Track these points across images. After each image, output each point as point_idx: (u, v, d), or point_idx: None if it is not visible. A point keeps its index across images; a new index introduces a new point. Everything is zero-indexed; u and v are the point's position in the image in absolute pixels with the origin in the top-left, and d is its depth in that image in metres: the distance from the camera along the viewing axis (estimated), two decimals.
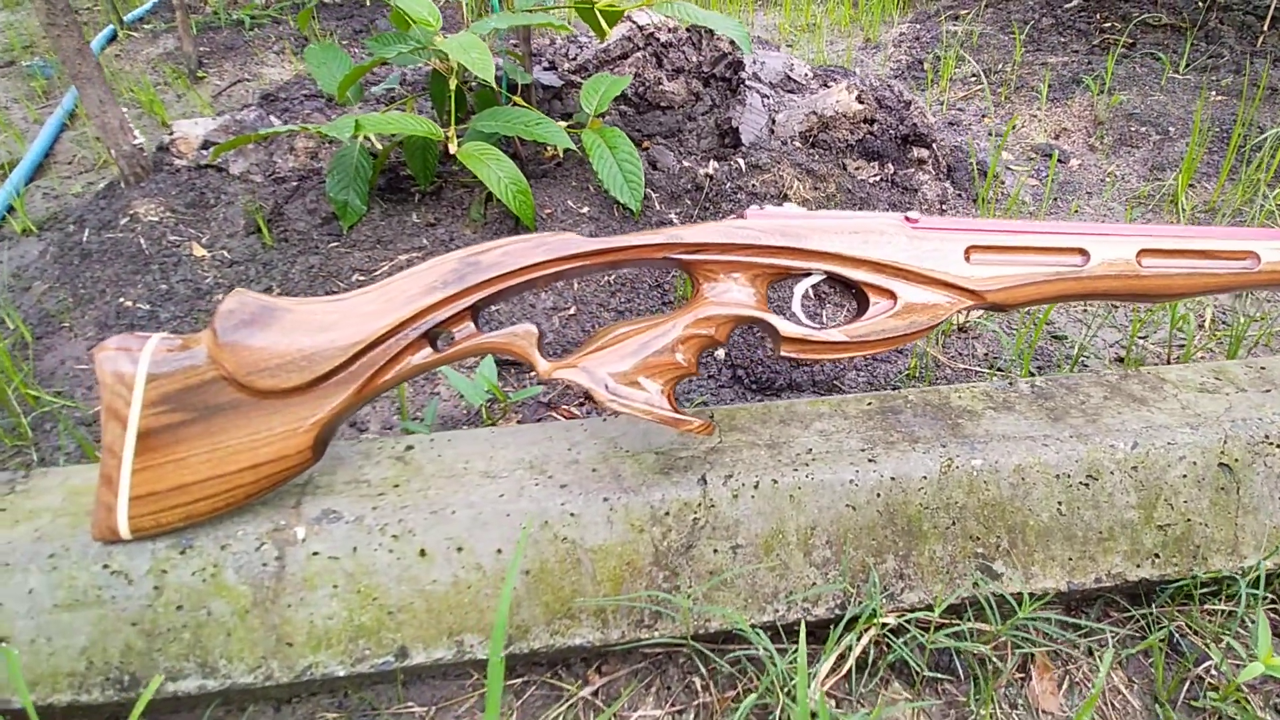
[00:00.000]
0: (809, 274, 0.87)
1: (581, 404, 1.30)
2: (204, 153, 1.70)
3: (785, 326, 0.85)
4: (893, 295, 0.86)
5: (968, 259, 0.86)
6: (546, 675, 0.91)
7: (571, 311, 1.43)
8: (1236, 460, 0.93)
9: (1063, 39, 2.65)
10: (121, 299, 1.45)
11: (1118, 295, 0.88)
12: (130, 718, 0.69)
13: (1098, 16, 2.72)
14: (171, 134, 1.72)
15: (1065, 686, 0.91)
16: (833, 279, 0.88)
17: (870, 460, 0.90)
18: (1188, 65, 2.42)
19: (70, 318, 1.45)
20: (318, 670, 0.83)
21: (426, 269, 0.82)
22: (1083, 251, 0.87)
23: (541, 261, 0.83)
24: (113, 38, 2.87)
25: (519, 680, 0.91)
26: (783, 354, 0.86)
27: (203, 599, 0.82)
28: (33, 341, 1.41)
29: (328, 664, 0.83)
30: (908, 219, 0.87)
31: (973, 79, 2.51)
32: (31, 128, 2.33)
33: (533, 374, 1.34)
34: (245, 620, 0.82)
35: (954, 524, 0.90)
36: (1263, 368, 1.06)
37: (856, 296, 0.90)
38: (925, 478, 0.90)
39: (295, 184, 1.62)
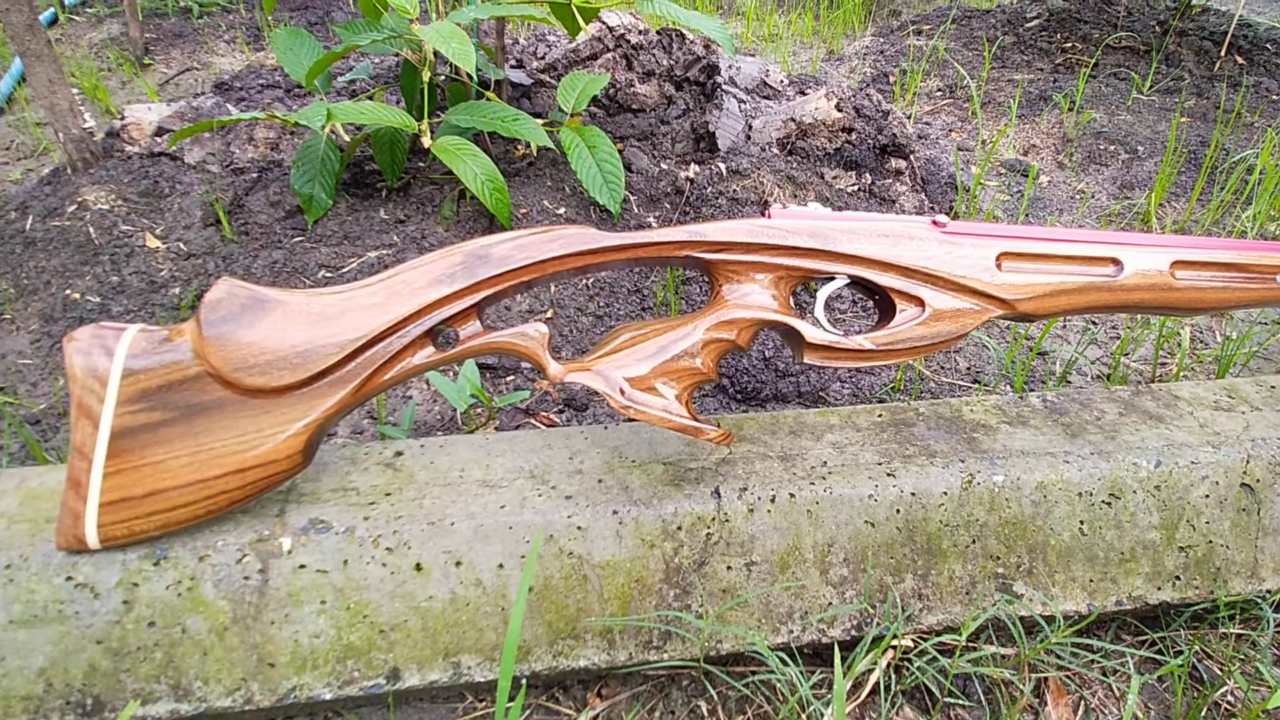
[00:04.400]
0: (833, 278, 0.83)
1: (562, 411, 1.25)
2: (157, 140, 1.61)
3: (811, 333, 0.80)
4: (920, 302, 0.82)
5: (999, 266, 0.83)
6: (543, 699, 0.85)
7: (548, 315, 1.38)
8: (1258, 481, 0.91)
9: (1025, 57, 2.66)
10: (69, 290, 1.36)
11: (1149, 307, 0.85)
12: None
13: (1058, 36, 2.73)
14: (123, 119, 1.63)
15: (1080, 713, 0.88)
16: (857, 283, 0.84)
17: (889, 474, 0.86)
18: (1151, 87, 2.43)
19: (12, 309, 1.35)
20: (302, 693, 0.76)
21: (432, 260, 0.76)
22: (1116, 261, 0.84)
23: (557, 256, 0.77)
24: (53, 21, 2.75)
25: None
26: (805, 360, 0.81)
27: (177, 615, 0.75)
28: None
29: (313, 686, 0.76)
30: (935, 223, 0.83)
31: (938, 94, 2.50)
32: None
33: (511, 378, 1.28)
34: (224, 638, 0.75)
35: (974, 542, 0.86)
36: (1273, 386, 1.04)
37: (880, 303, 0.85)
38: (946, 494, 0.86)
39: (255, 175, 1.54)
